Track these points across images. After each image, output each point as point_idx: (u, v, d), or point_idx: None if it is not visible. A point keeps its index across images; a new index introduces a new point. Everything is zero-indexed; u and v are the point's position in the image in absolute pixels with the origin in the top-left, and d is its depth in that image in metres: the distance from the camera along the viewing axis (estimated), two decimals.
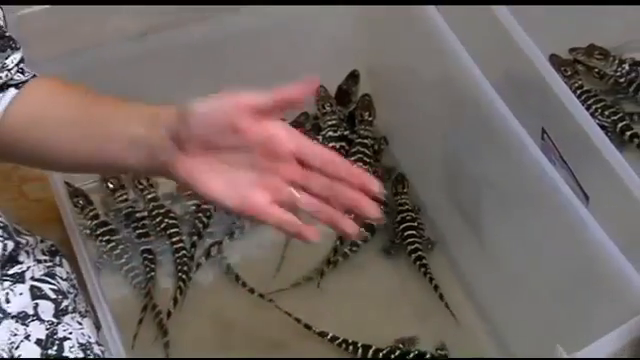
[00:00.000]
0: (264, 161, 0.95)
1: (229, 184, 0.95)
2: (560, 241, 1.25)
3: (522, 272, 1.39)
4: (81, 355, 1.03)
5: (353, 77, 1.72)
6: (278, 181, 0.95)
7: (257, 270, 1.55)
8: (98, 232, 1.57)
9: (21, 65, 1.03)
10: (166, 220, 1.59)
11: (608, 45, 1.75)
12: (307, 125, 1.70)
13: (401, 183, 1.65)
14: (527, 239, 1.35)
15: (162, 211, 1.60)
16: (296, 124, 1.69)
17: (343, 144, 1.67)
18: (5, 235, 1.04)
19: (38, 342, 1.01)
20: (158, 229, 1.59)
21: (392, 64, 1.64)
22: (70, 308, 1.06)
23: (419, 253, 1.57)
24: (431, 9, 1.39)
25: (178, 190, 1.63)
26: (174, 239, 1.58)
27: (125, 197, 1.62)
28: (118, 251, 1.56)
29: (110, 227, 1.58)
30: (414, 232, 1.59)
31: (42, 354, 1.01)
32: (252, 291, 1.52)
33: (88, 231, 1.57)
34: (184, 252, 1.57)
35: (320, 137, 1.68)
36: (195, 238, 1.59)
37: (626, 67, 1.74)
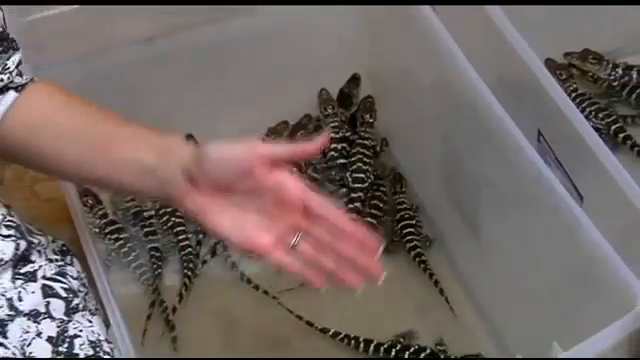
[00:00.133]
0: (272, 207, 0.97)
1: (236, 223, 0.97)
2: (555, 239, 1.25)
3: (518, 269, 1.38)
4: (91, 352, 1.02)
5: (354, 80, 1.72)
6: (283, 227, 0.97)
7: (261, 267, 1.55)
8: (107, 231, 1.57)
9: (20, 67, 1.02)
10: (173, 219, 1.59)
11: (602, 50, 1.75)
12: (310, 127, 1.69)
13: (399, 182, 1.65)
14: (523, 237, 1.35)
15: (169, 210, 1.60)
16: (299, 126, 1.69)
17: (344, 145, 1.67)
18: (18, 235, 1.04)
19: (49, 339, 1.01)
20: (165, 227, 1.59)
21: (392, 68, 1.64)
22: (80, 306, 1.06)
23: (418, 250, 1.57)
24: (431, 16, 1.38)
25: None
26: (180, 237, 1.58)
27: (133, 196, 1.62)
28: (126, 249, 1.56)
29: (118, 226, 1.58)
30: (413, 230, 1.59)
31: (53, 351, 1.01)
32: (257, 288, 1.52)
33: (97, 230, 1.57)
34: (190, 250, 1.57)
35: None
36: (201, 236, 1.59)
37: (619, 71, 1.74)
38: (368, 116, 1.68)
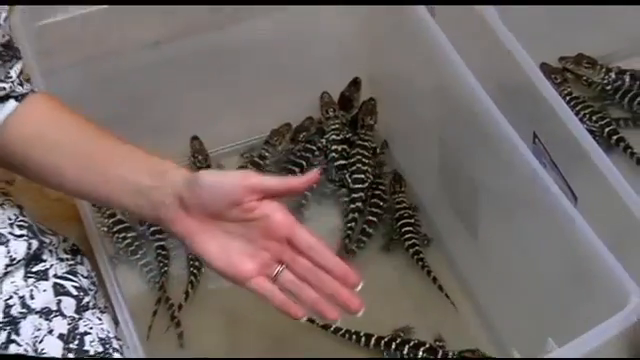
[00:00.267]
0: (258, 237, 0.97)
1: (222, 249, 0.97)
2: (550, 238, 1.25)
3: (514, 267, 1.38)
4: (101, 349, 1.03)
5: (355, 84, 1.72)
6: (268, 257, 0.97)
7: None
8: (115, 229, 1.57)
9: (21, 77, 1.02)
10: None
11: (595, 54, 1.75)
12: (312, 129, 1.69)
13: (398, 183, 1.65)
14: (519, 237, 1.35)
15: None
16: (302, 127, 1.69)
17: (345, 147, 1.67)
18: (30, 235, 1.04)
19: (60, 336, 1.01)
20: None
21: (392, 72, 1.64)
22: (91, 304, 1.06)
23: (416, 248, 1.57)
24: (430, 22, 1.38)
25: None
26: None
27: None
28: (133, 247, 1.56)
29: (126, 225, 1.58)
30: (411, 228, 1.59)
31: (64, 348, 1.01)
32: None
33: (105, 229, 1.57)
34: None
35: (324, 140, 1.68)
36: None
37: (612, 75, 1.73)
38: (369, 118, 1.68)
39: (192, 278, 1.54)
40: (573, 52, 1.75)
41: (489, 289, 1.49)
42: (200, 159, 1.66)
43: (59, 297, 1.04)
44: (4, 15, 0.95)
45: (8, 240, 1.01)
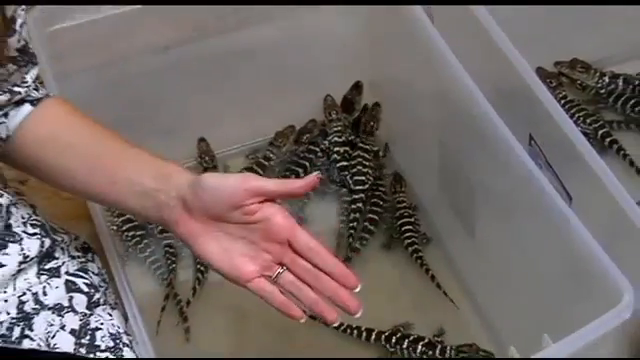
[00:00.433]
0: (259, 239, 0.96)
1: (224, 251, 0.97)
2: (546, 237, 1.24)
3: (511, 265, 1.38)
4: (112, 344, 1.02)
5: (357, 87, 1.72)
6: (268, 259, 0.97)
7: None
8: (124, 228, 1.57)
9: (37, 81, 1.02)
10: None
11: (590, 59, 1.75)
12: (315, 131, 1.69)
13: (399, 183, 1.65)
14: (515, 236, 1.35)
15: None
16: (305, 130, 1.69)
17: (347, 149, 1.67)
18: (43, 233, 1.04)
19: (72, 332, 1.01)
20: None
21: (393, 76, 1.64)
22: (101, 301, 1.06)
23: (416, 247, 1.57)
24: (430, 28, 1.38)
25: None
26: None
27: None
28: (142, 245, 1.56)
29: (135, 223, 1.58)
30: (411, 227, 1.59)
31: (76, 343, 1.00)
32: None
33: (115, 227, 1.57)
34: None
35: (327, 141, 1.68)
36: None
37: (606, 79, 1.73)
38: (371, 124, 1.68)
39: (199, 275, 1.54)
40: (568, 57, 1.75)
41: (486, 287, 1.49)
42: (207, 160, 1.66)
43: (71, 294, 1.04)
44: (20, 21, 0.95)
45: (22, 238, 1.01)
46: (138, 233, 1.57)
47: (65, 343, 1.00)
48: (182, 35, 1.52)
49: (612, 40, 1.75)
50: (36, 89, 1.02)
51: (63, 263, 1.05)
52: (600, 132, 1.67)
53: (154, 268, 1.56)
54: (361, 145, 1.66)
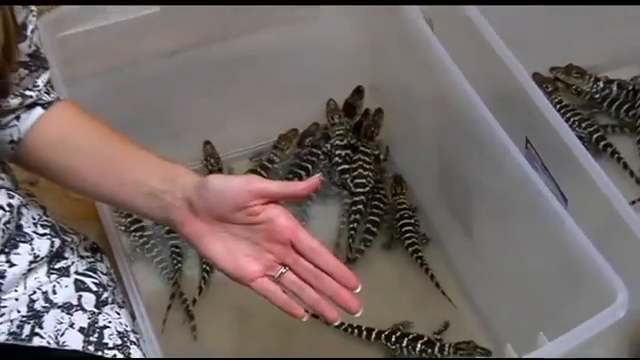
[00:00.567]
0: (263, 239, 0.96)
1: (228, 251, 0.97)
2: (542, 238, 1.24)
3: (508, 265, 1.38)
4: (119, 342, 1.02)
5: (358, 92, 1.72)
6: (271, 259, 0.97)
7: None
8: (132, 228, 1.57)
9: (48, 85, 1.02)
10: None
11: (585, 65, 1.76)
12: (317, 134, 1.69)
13: (399, 185, 1.65)
14: (512, 237, 1.35)
15: None
16: (308, 133, 1.69)
17: (348, 152, 1.67)
18: (53, 233, 1.04)
19: (81, 330, 1.01)
20: None
21: (393, 81, 1.64)
22: (109, 300, 1.06)
23: (415, 247, 1.57)
24: (429, 34, 1.38)
25: None
26: None
27: None
28: (149, 245, 1.57)
29: (142, 224, 1.58)
30: (411, 228, 1.59)
31: (84, 341, 1.01)
32: None
33: (123, 228, 1.57)
34: None
35: (329, 145, 1.68)
36: None
37: (600, 84, 1.74)
38: (372, 129, 1.68)
39: (204, 274, 1.54)
40: (563, 62, 1.76)
41: (484, 286, 1.49)
42: (212, 162, 1.66)
43: (80, 292, 1.04)
44: (31, 27, 0.96)
45: (32, 239, 1.01)
46: (145, 233, 1.57)
47: (74, 341, 1.00)
48: (188, 41, 1.52)
49: (606, 46, 1.75)
50: (47, 93, 1.02)
51: (72, 263, 1.05)
52: (595, 136, 1.67)
53: (161, 268, 1.56)
54: (362, 149, 1.66)
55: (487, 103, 1.29)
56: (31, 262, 1.00)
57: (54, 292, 1.02)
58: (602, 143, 1.66)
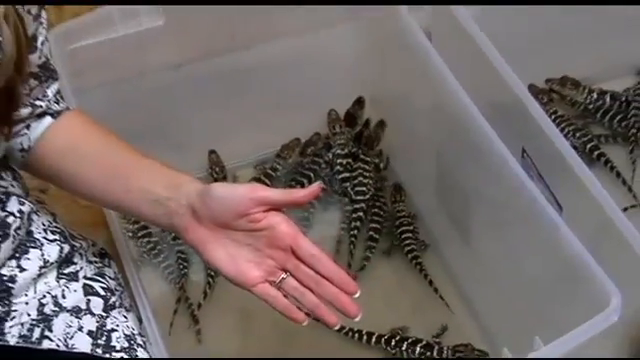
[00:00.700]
0: (264, 246, 0.96)
1: (230, 257, 0.97)
2: (537, 245, 1.24)
3: (505, 271, 1.38)
4: (126, 345, 1.02)
5: (359, 103, 1.72)
6: (272, 265, 0.97)
7: None
8: (139, 234, 1.57)
9: (57, 95, 1.03)
10: None
11: (579, 76, 1.76)
12: (319, 143, 1.69)
13: (399, 193, 1.65)
14: (509, 243, 1.35)
15: None
16: (310, 142, 1.69)
17: (349, 160, 1.67)
18: (62, 239, 1.04)
19: (89, 333, 1.01)
20: None
21: (393, 92, 1.64)
22: (117, 304, 1.06)
23: (414, 253, 1.56)
24: (429, 47, 1.39)
25: None
26: None
27: None
28: (156, 251, 1.56)
29: (149, 230, 1.57)
30: (410, 235, 1.59)
31: (93, 344, 1.00)
32: None
33: (130, 234, 1.57)
34: None
35: (330, 154, 1.68)
36: None
37: (594, 96, 1.74)
38: (374, 140, 1.68)
39: (209, 279, 1.53)
40: (558, 74, 1.76)
41: (481, 291, 1.49)
42: (217, 171, 1.66)
43: (88, 297, 1.04)
44: (41, 39, 0.96)
45: (42, 244, 1.01)
46: (152, 239, 1.57)
47: (83, 344, 1.00)
48: (193, 54, 1.52)
49: (600, 59, 1.75)
50: (57, 102, 1.02)
51: (81, 268, 1.05)
52: (589, 145, 1.67)
53: (167, 273, 1.56)
54: (362, 157, 1.66)
55: (484, 114, 1.29)
56: (41, 267, 1.00)
57: (63, 296, 1.02)
58: (596, 152, 1.66)
